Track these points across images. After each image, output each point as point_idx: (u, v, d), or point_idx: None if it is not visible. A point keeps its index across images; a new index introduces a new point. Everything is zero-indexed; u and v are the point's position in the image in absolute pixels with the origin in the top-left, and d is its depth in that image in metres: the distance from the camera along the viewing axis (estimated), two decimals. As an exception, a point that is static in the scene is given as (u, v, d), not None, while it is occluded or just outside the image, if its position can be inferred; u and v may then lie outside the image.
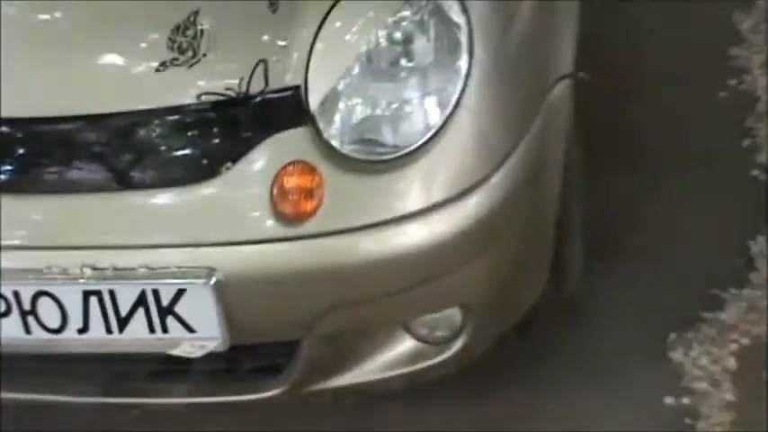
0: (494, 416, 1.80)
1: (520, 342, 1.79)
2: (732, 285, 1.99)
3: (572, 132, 1.75)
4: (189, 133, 1.42)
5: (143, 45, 1.45)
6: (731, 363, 1.85)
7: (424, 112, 1.40)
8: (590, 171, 1.98)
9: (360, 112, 1.40)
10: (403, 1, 1.40)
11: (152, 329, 1.42)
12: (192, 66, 1.40)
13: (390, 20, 1.39)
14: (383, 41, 1.40)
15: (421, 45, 1.40)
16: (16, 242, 1.43)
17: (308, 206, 1.37)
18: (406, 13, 1.40)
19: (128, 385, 1.61)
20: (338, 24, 1.40)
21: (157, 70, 1.40)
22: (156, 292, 1.38)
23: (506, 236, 1.51)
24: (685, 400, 1.78)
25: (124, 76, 1.46)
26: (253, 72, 1.38)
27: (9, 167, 1.46)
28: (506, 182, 1.45)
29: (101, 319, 1.42)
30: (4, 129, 1.45)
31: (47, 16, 1.58)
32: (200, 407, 1.66)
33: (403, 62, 1.40)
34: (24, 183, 1.45)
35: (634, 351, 1.89)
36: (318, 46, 1.38)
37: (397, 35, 1.40)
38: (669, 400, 1.79)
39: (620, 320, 1.96)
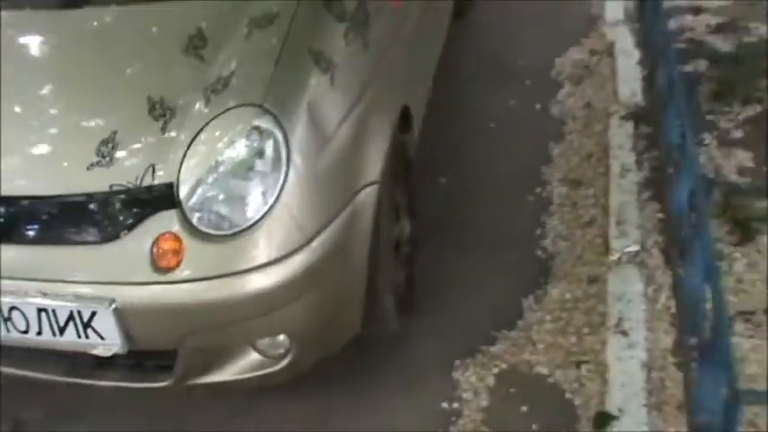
0: (320, 409, 2.57)
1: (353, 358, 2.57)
2: (504, 328, 2.78)
3: (385, 221, 2.38)
4: (102, 209, 2.10)
5: (81, 151, 2.14)
6: (491, 381, 2.62)
7: (255, 202, 2.07)
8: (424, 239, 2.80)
9: (211, 200, 2.08)
10: (246, 130, 2.10)
11: (78, 336, 2.13)
12: (108, 167, 2.11)
13: (236, 142, 2.10)
14: (230, 156, 2.09)
15: (256, 159, 2.10)
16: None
17: (174, 262, 2.03)
18: (246, 140, 2.10)
19: (79, 370, 2.30)
20: (202, 142, 2.10)
21: (88, 168, 2.11)
22: (79, 312, 2.10)
23: (320, 287, 2.17)
24: (455, 405, 2.55)
25: (67, 170, 2.17)
26: (145, 172, 2.09)
27: None
28: (317, 251, 2.11)
29: (48, 327, 2.14)
30: None
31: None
32: (122, 389, 2.32)
33: (242, 170, 2.09)
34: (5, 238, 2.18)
35: (428, 370, 2.67)
36: (189, 156, 2.09)
37: (241, 153, 2.09)
38: (444, 404, 2.56)
39: (424, 347, 2.74)
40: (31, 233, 2.17)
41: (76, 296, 2.10)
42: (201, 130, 2.12)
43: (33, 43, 2.58)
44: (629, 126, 3.66)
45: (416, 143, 3.06)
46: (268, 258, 2.06)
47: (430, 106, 3.36)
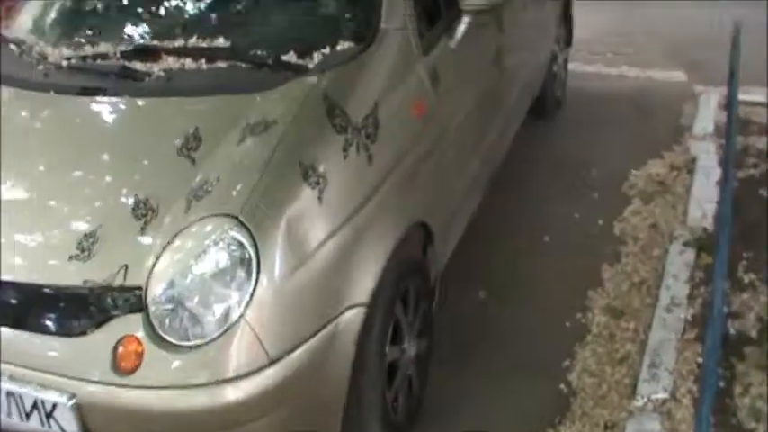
0: None
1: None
2: None
3: (374, 344, 2.27)
4: (73, 303, 2.10)
5: (64, 242, 2.13)
6: None
7: (219, 315, 2.01)
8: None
9: (176, 309, 2.03)
10: (218, 241, 2.04)
11: (42, 424, 2.10)
12: (85, 261, 2.10)
13: (207, 252, 2.05)
14: (199, 266, 2.04)
15: (224, 272, 2.04)
16: None
17: (134, 365, 1.99)
18: (216, 252, 2.04)
19: None
20: (175, 248, 2.06)
21: (68, 259, 2.11)
22: (42, 401, 2.08)
23: (288, 407, 2.09)
24: None
25: (48, 259, 2.16)
26: (118, 271, 2.06)
27: None
28: (283, 371, 2.02)
29: (16, 411, 2.12)
30: None
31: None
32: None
33: (209, 282, 2.04)
34: None
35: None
36: (160, 261, 2.05)
37: (210, 264, 2.04)
38: None
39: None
40: (7, 316, 2.17)
41: (40, 385, 2.08)
42: (176, 236, 2.09)
43: (36, 125, 2.60)
44: (691, 254, 3.40)
45: (443, 259, 2.94)
46: (228, 374, 1.99)
47: (480, 212, 3.26)
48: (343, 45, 2.51)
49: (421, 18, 2.74)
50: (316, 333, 2.13)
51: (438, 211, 2.76)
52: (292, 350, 2.07)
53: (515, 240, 3.69)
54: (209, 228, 2.09)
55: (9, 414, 2.15)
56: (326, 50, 2.48)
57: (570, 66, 5.24)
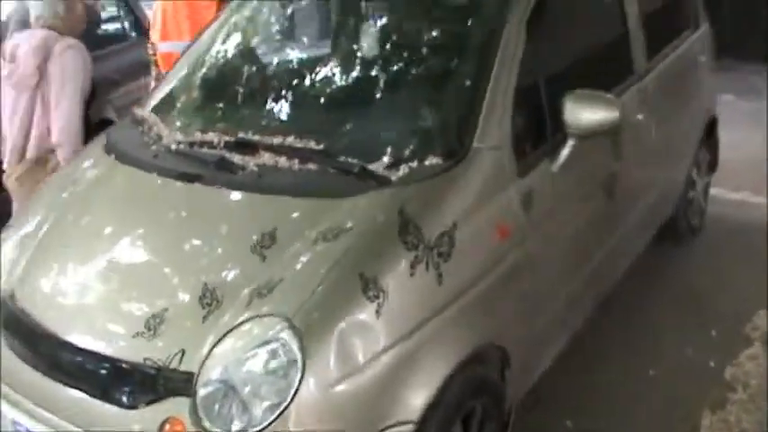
0: None
1: None
2: None
3: None
4: (130, 377, 2.21)
5: (133, 318, 2.29)
6: None
7: (260, 412, 2.07)
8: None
9: (221, 400, 2.10)
10: (269, 340, 2.11)
11: None
12: (149, 340, 2.22)
13: (258, 350, 2.11)
14: (248, 362, 2.11)
15: (270, 371, 2.09)
16: None
17: None
18: (266, 351, 2.11)
19: None
20: (229, 341, 2.14)
21: (133, 336, 2.24)
22: None
23: None
24: None
25: (115, 331, 2.32)
26: (175, 355, 2.17)
27: None
28: None
29: None
30: None
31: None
32: None
33: (255, 378, 2.10)
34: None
35: None
36: (214, 352, 2.14)
37: (258, 362, 2.11)
38: None
39: None
40: (66, 376, 2.34)
41: None
42: (233, 329, 2.17)
43: (135, 201, 2.77)
44: (804, 413, 3.13)
45: (524, 385, 2.87)
46: None
47: (583, 336, 3.18)
48: (432, 159, 2.51)
49: (522, 138, 2.71)
50: None
51: (517, 335, 2.69)
52: None
53: (616, 371, 3.51)
54: (263, 326, 2.16)
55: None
56: (415, 163, 2.49)
57: (714, 191, 5.03)
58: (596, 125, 2.74)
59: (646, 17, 3.62)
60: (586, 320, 3.35)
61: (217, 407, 2.11)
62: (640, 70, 3.53)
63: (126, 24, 6.01)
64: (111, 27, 6.06)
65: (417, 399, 2.24)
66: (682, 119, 4.03)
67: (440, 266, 2.33)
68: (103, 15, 6.07)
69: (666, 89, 3.78)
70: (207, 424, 2.10)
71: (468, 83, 2.70)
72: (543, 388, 3.12)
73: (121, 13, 6.01)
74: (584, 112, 2.73)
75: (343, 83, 2.92)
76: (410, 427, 2.22)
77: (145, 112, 3.18)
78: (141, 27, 5.80)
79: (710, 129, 4.59)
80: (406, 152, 2.54)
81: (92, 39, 5.15)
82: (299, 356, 2.09)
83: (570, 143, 2.77)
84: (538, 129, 2.80)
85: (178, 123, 3.01)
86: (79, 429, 2.26)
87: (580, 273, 3.10)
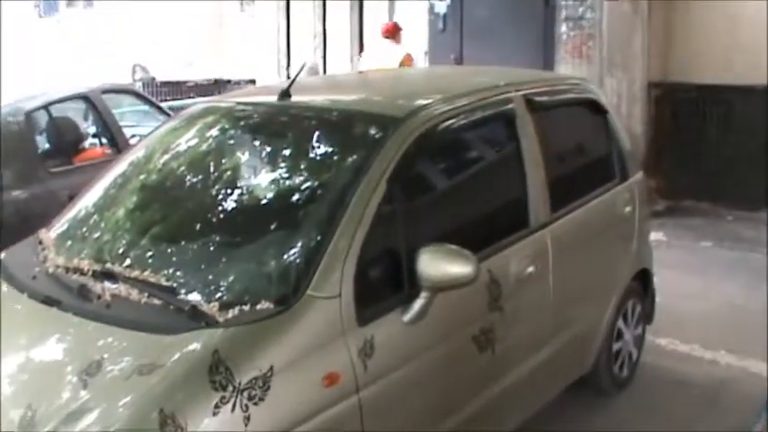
0: None
1: None
2: None
3: None
4: None
5: None
6: None
7: None
8: None
9: None
10: None
11: None
12: None
13: None
14: None
15: None
16: None
17: None
18: None
19: None
20: None
21: None
22: None
23: None
24: None
25: None
26: None
27: None
28: None
29: None
30: None
31: None
32: None
33: None
34: None
35: None
36: None
37: None
38: None
39: None
40: None
41: None
42: None
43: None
44: None
45: None
46: None
47: None
48: (264, 304, 2.59)
49: (370, 288, 2.76)
50: None
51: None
52: None
53: None
54: None
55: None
56: (248, 306, 2.57)
57: (663, 341, 4.99)
58: (450, 279, 2.78)
59: (551, 169, 3.66)
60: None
61: None
62: (538, 222, 3.56)
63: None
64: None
65: None
66: (595, 271, 4.02)
67: (248, 409, 2.37)
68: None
69: (574, 241, 3.79)
70: None
71: (312, 232, 2.78)
72: None
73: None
74: (439, 266, 2.77)
75: (202, 220, 3.03)
76: None
77: (47, 233, 3.33)
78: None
79: (643, 280, 4.56)
80: (243, 295, 2.63)
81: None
82: None
83: (424, 295, 2.80)
84: (392, 280, 2.84)
85: (64, 247, 3.15)
86: None
87: (442, 426, 3.07)
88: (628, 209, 4.35)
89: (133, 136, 6.05)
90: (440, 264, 2.78)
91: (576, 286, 3.83)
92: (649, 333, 4.86)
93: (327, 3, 11.98)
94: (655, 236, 5.38)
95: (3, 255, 3.34)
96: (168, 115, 5.95)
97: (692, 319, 5.34)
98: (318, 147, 3.16)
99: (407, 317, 2.82)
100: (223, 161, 3.25)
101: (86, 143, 6.23)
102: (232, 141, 3.42)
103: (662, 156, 8.21)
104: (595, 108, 4.35)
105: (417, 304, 2.82)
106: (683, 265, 6.41)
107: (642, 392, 4.58)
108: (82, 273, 2.93)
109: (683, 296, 5.63)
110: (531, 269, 3.46)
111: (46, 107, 5.86)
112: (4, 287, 3.05)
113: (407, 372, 2.86)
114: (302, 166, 3.08)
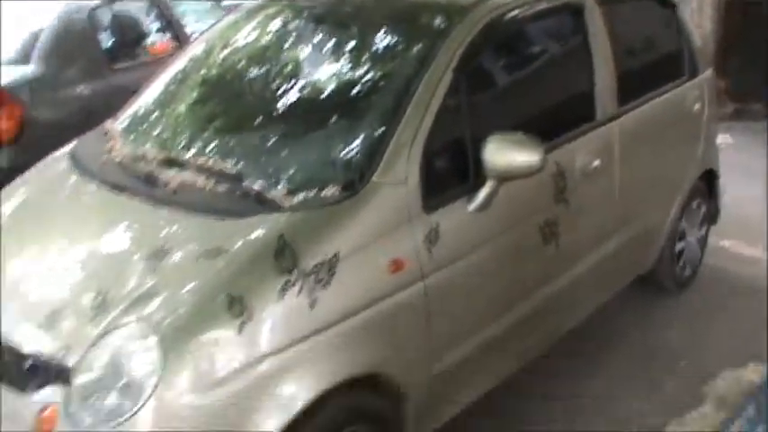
0: None
1: None
2: None
3: None
4: (25, 367, 2.37)
5: (37, 316, 2.46)
6: None
7: (112, 414, 2.20)
8: None
9: (82, 399, 2.24)
10: (136, 345, 2.25)
11: None
12: (46, 333, 2.40)
13: (122, 352, 2.26)
14: (112, 365, 2.25)
15: (130, 374, 2.22)
16: None
17: (49, 429, 2.25)
18: (129, 356, 2.25)
19: None
20: (104, 341, 2.28)
21: (36, 329, 2.43)
22: None
23: None
24: None
25: (26, 324, 2.49)
26: (61, 348, 2.33)
27: None
28: None
29: None
30: None
31: None
32: None
33: (112, 381, 2.23)
34: None
35: None
36: (90, 351, 2.28)
37: (121, 364, 2.24)
38: None
39: None
40: None
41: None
42: (110, 332, 2.32)
43: (71, 206, 3.02)
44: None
45: (430, 421, 2.90)
46: None
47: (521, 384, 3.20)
48: (330, 190, 2.59)
49: (437, 177, 2.75)
50: None
51: (412, 369, 2.72)
52: None
53: (552, 424, 3.47)
54: (132, 332, 2.30)
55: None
56: (313, 192, 2.58)
57: (727, 243, 4.92)
58: (516, 168, 2.76)
59: (619, 62, 3.58)
60: (525, 363, 3.35)
61: (84, 398, 2.26)
62: (605, 115, 3.49)
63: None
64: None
65: (277, 416, 2.32)
66: (661, 168, 3.95)
67: (315, 292, 2.40)
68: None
69: (641, 137, 3.72)
70: (73, 412, 2.25)
71: (378, 120, 2.76)
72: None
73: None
74: (505, 155, 2.74)
75: (266, 111, 3.04)
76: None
77: (113, 124, 3.37)
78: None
79: (708, 181, 4.47)
80: (309, 181, 2.63)
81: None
82: (159, 363, 2.21)
83: (489, 184, 2.79)
84: (458, 169, 2.83)
85: (130, 138, 3.18)
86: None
87: (506, 317, 3.09)
88: (696, 106, 4.24)
89: (194, 32, 6.03)
90: (506, 152, 2.75)
91: (642, 182, 3.78)
92: (713, 234, 4.79)
93: None
94: (722, 138, 5.22)
95: (71, 146, 3.39)
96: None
97: (757, 223, 5.23)
98: (384, 37, 3.11)
99: (472, 206, 2.81)
100: (286, 52, 3.23)
101: (149, 40, 6.21)
102: (295, 32, 3.38)
103: (731, 56, 7.92)
104: (663, 1, 4.20)
105: (482, 193, 2.80)
106: (750, 168, 6.25)
107: (704, 293, 4.56)
108: (148, 161, 2.95)
109: (749, 199, 5.50)
110: (597, 162, 3.41)
111: (109, 4, 5.84)
112: (74, 176, 3.09)
113: (472, 261, 2.86)
114: (367, 56, 3.04)
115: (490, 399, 3.18)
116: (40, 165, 3.41)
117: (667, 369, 3.84)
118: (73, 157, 3.24)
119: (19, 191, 3.22)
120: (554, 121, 3.28)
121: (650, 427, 3.43)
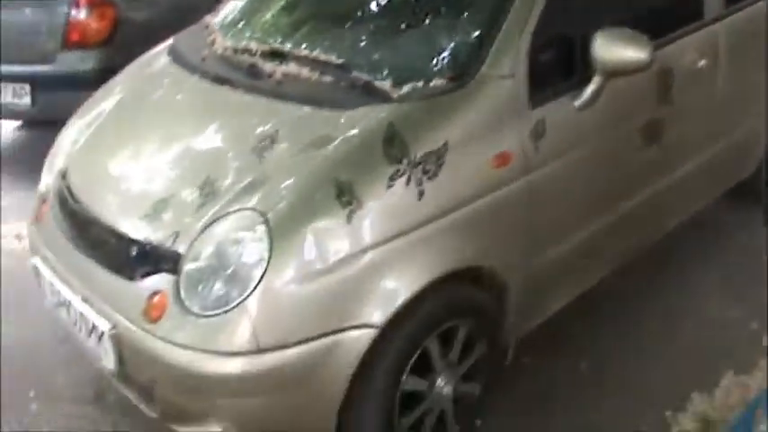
0: None
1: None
2: None
3: (381, 372, 2.37)
4: (135, 252, 2.45)
5: (143, 204, 2.54)
6: None
7: (224, 298, 2.24)
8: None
9: (195, 282, 2.30)
10: (245, 233, 2.28)
11: (97, 344, 2.50)
12: (152, 222, 2.46)
13: (233, 241, 2.30)
14: (223, 251, 2.30)
15: (238, 260, 2.26)
16: None
17: (157, 316, 2.31)
18: (239, 242, 2.29)
19: None
20: (214, 230, 2.32)
21: (142, 217, 2.50)
22: (95, 326, 2.47)
23: (285, 392, 2.29)
24: None
25: (129, 211, 2.58)
26: (170, 235, 2.38)
27: None
28: (270, 361, 2.22)
29: (84, 329, 2.56)
30: None
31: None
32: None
33: (223, 266, 2.28)
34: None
35: None
36: (200, 237, 2.32)
37: (231, 253, 2.28)
38: None
39: None
40: (90, 246, 2.63)
41: (98, 312, 2.47)
42: (219, 219, 2.36)
43: (174, 99, 3.06)
44: None
45: (532, 316, 2.92)
46: (215, 348, 2.25)
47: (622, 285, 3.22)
48: (438, 81, 2.57)
49: (543, 71, 2.70)
50: (313, 339, 2.26)
51: (513, 264, 2.72)
52: (285, 347, 2.23)
53: (649, 324, 3.47)
54: (242, 219, 2.32)
55: (80, 330, 2.57)
56: (421, 83, 2.56)
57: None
58: (624, 63, 2.69)
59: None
60: (619, 267, 3.33)
61: (193, 285, 2.31)
62: (712, 15, 3.38)
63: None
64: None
65: (384, 307, 2.33)
66: (765, 74, 3.81)
67: (422, 183, 2.39)
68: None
69: (747, 40, 3.59)
70: (183, 298, 2.31)
71: (486, 12, 2.70)
72: (562, 328, 3.18)
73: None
74: (614, 50, 2.68)
75: (371, 4, 3.00)
76: (372, 331, 2.31)
77: (213, 19, 3.38)
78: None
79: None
80: (417, 72, 2.60)
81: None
82: (266, 252, 2.24)
83: (596, 80, 2.73)
84: (565, 64, 2.77)
85: (232, 31, 3.18)
86: (98, 298, 2.51)
87: (605, 216, 3.07)
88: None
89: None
90: (615, 47, 2.68)
91: (745, 87, 3.66)
92: None
93: None
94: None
95: (169, 42, 3.40)
96: None
97: None
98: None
99: (579, 102, 2.76)
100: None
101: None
102: None
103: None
104: None
105: (589, 89, 2.75)
106: None
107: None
108: (251, 53, 2.95)
109: None
110: (702, 62, 3.31)
111: None
112: (174, 70, 3.12)
113: (575, 158, 2.83)
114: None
115: (584, 298, 3.16)
116: (137, 62, 3.44)
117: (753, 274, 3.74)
118: (173, 51, 3.26)
119: (117, 88, 3.27)
120: (662, 19, 3.17)
121: (743, 333, 3.39)
